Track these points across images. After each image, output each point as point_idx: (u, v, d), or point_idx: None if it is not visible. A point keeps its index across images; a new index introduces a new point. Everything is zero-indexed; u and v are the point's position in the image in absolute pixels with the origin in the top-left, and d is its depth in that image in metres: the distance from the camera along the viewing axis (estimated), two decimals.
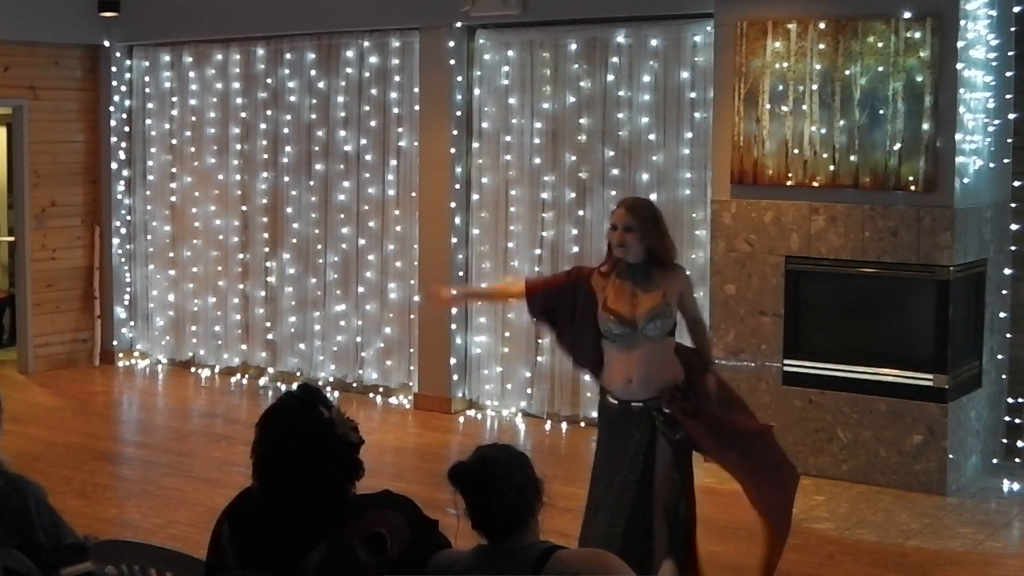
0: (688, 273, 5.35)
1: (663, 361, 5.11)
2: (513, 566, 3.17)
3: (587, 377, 5.32)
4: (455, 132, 9.21)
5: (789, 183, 7.56)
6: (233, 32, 10.30)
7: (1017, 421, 7.90)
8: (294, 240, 10.14)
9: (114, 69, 10.94)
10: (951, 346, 7.25)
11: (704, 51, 8.28)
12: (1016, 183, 7.85)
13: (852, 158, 7.36)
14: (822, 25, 7.40)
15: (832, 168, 7.42)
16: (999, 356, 7.89)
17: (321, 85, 9.90)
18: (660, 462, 5.13)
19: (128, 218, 11.17)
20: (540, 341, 9.04)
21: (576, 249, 8.85)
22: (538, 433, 8.78)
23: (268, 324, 10.33)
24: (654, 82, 8.51)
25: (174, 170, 10.87)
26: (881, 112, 7.25)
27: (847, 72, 7.32)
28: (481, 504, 3.20)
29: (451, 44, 9.13)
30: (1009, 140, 7.77)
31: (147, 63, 10.96)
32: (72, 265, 10.97)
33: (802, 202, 7.57)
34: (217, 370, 10.61)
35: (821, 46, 7.40)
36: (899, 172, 7.23)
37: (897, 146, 7.22)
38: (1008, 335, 7.92)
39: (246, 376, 10.43)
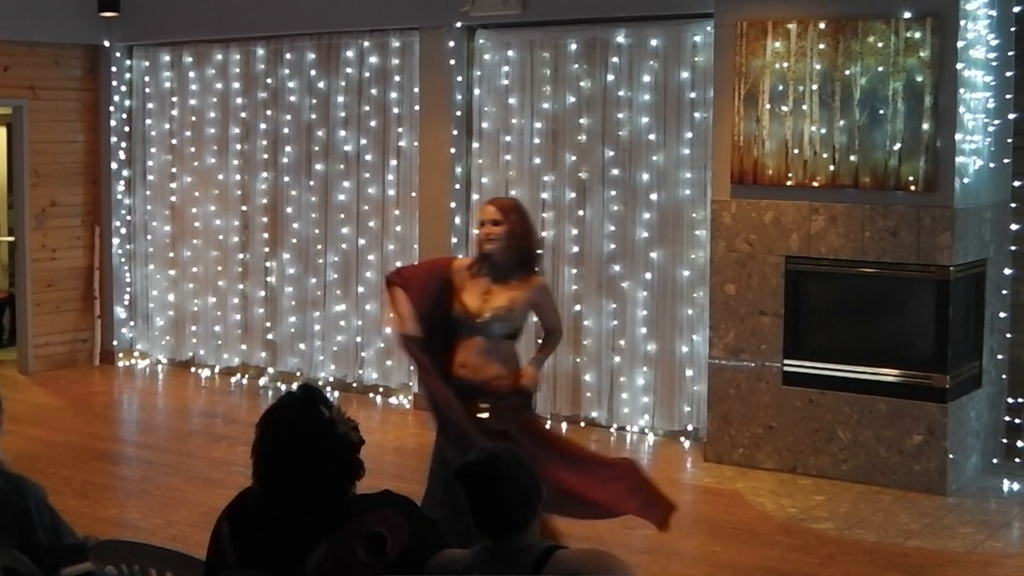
0: (546, 285, 5.65)
1: (496, 358, 5.40)
2: (513, 566, 3.18)
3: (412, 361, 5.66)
4: (455, 132, 9.21)
5: (789, 183, 7.56)
6: (233, 32, 10.30)
7: (1017, 421, 7.90)
8: (294, 240, 10.14)
9: (114, 69, 10.94)
10: (951, 346, 7.25)
11: (704, 51, 8.28)
12: (1016, 183, 7.85)
13: (852, 158, 7.36)
14: (822, 25, 7.40)
15: (832, 168, 7.42)
16: (999, 356, 7.89)
17: (321, 85, 9.90)
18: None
19: (128, 218, 11.17)
20: (540, 341, 9.01)
21: (576, 249, 8.84)
22: None
23: (268, 324, 10.33)
24: (654, 82, 8.51)
25: (174, 170, 10.87)
26: (881, 112, 7.25)
27: (847, 72, 7.32)
28: (488, 503, 3.19)
29: (451, 44, 9.13)
30: (1009, 140, 7.77)
31: (147, 63, 10.96)
32: (72, 265, 10.97)
33: (802, 202, 7.57)
34: (217, 370, 10.61)
35: (821, 46, 7.40)
36: (899, 172, 7.23)
37: (897, 146, 7.22)
38: (1008, 335, 7.92)
39: (246, 376, 10.43)
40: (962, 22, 7.08)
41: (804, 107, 7.48)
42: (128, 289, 11.20)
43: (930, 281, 7.26)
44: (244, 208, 10.45)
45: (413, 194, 9.50)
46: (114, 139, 11.02)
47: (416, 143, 9.43)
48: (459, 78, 9.20)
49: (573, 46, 8.79)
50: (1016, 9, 7.63)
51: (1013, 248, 7.89)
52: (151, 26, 10.66)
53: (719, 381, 7.91)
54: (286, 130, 10.14)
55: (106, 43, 10.85)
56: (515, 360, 5.51)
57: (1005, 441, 7.94)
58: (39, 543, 3.99)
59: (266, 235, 10.33)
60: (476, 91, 9.24)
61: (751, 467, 7.76)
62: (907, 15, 7.15)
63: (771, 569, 6.14)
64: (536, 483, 3.27)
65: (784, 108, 7.54)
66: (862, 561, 6.26)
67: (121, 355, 11.12)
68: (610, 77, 8.66)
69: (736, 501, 7.21)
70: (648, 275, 8.56)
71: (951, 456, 7.26)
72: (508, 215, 5.38)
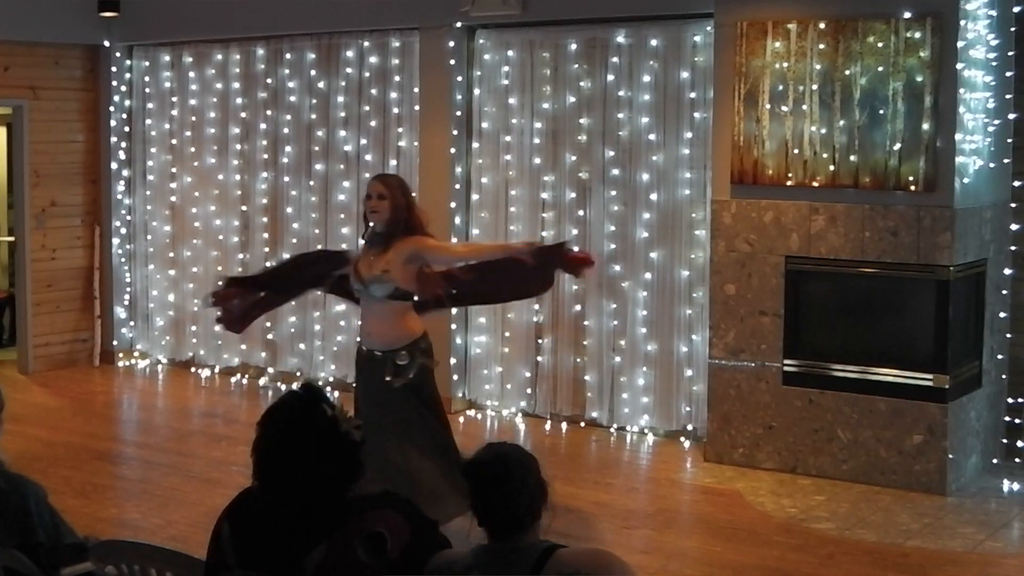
0: (422, 238, 6.07)
1: (394, 320, 5.99)
2: (514, 566, 3.17)
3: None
4: (455, 132, 9.21)
5: (789, 183, 7.56)
6: (233, 32, 10.29)
7: (1017, 421, 7.90)
8: (294, 240, 10.14)
9: (114, 69, 10.95)
10: (951, 346, 7.25)
11: (704, 51, 8.28)
12: (1016, 183, 7.85)
13: (852, 158, 7.36)
14: (822, 25, 7.40)
15: (832, 168, 7.42)
16: (999, 356, 7.89)
17: (321, 85, 9.90)
18: (393, 405, 5.96)
19: (128, 218, 11.17)
20: (540, 341, 9.04)
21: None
22: (538, 433, 8.77)
23: (268, 324, 10.32)
24: (654, 82, 8.51)
25: (174, 170, 10.87)
26: (881, 112, 7.25)
27: (847, 72, 7.32)
28: (496, 501, 3.19)
29: (451, 44, 9.13)
30: (1009, 140, 7.77)
31: (147, 63, 10.96)
32: (72, 265, 10.97)
33: (802, 202, 7.57)
34: (217, 370, 10.61)
35: (821, 46, 7.40)
36: (899, 172, 7.23)
37: (897, 146, 7.22)
38: (1008, 335, 7.92)
39: (246, 376, 10.43)
40: (962, 22, 7.08)
41: (804, 107, 7.48)
42: (128, 289, 11.20)
43: (930, 281, 7.26)
44: (244, 208, 10.45)
45: (413, 194, 9.47)
46: (114, 139, 11.02)
47: (416, 143, 9.43)
48: (459, 78, 9.20)
49: (573, 46, 8.79)
50: (1016, 9, 7.63)
51: (1013, 248, 7.89)
52: (151, 26, 10.66)
53: (719, 381, 7.91)
54: (286, 130, 10.14)
55: (106, 43, 10.85)
56: (411, 316, 6.06)
57: (1005, 441, 7.95)
58: (39, 543, 3.99)
59: (266, 235, 10.33)
60: (476, 91, 9.23)
61: (751, 467, 7.76)
62: (907, 15, 7.15)
63: (771, 569, 6.14)
64: (542, 483, 3.27)
65: (784, 108, 7.54)
66: (862, 561, 6.26)
67: (121, 355, 11.12)
68: (610, 77, 8.66)
69: (736, 501, 7.21)
70: (648, 275, 8.56)
71: (951, 456, 7.26)
72: (392, 190, 5.96)
